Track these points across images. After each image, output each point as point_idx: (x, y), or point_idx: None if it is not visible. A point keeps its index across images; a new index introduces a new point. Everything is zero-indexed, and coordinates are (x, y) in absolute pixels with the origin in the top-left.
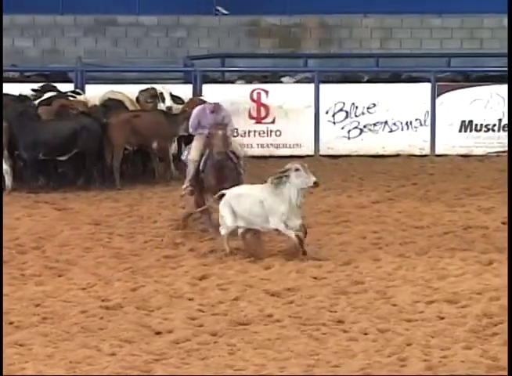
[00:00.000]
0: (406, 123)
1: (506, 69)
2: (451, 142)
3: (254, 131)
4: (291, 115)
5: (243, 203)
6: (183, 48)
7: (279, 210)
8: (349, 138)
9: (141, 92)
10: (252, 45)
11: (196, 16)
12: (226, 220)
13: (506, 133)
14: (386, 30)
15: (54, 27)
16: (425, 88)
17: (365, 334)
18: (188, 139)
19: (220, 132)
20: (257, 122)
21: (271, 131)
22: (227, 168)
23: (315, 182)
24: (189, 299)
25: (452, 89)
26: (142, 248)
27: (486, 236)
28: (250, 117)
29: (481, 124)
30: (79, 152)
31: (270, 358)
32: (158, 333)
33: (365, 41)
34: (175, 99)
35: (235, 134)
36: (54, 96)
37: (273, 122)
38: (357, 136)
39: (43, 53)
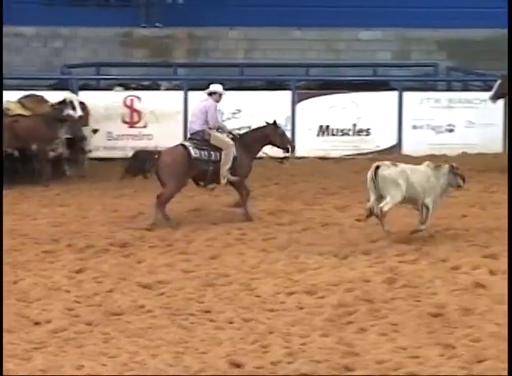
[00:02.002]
0: None
1: (360, 78)
2: (310, 146)
3: (128, 135)
4: (162, 120)
5: (417, 175)
6: (61, 57)
7: (436, 190)
8: None
9: (22, 97)
10: (125, 54)
11: (72, 27)
12: (401, 189)
13: (359, 137)
14: (250, 42)
15: None
16: (286, 95)
17: (231, 323)
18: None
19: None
20: (130, 127)
21: (143, 135)
22: None
23: (459, 186)
24: (67, 291)
25: (311, 96)
26: (22, 244)
27: (342, 232)
28: (124, 121)
29: (337, 129)
30: None
31: (142, 346)
32: (37, 323)
33: (230, 51)
34: (81, 105)
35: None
36: None
37: (145, 127)
38: None
39: None
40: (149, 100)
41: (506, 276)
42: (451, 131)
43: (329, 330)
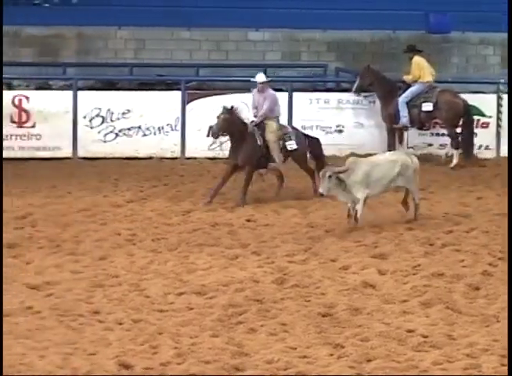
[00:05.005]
0: (159, 128)
1: (249, 79)
2: (200, 146)
3: (16, 135)
4: (51, 120)
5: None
6: None
7: None
8: (105, 141)
9: None
10: (13, 54)
11: None
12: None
13: None
14: (139, 42)
15: None
16: (176, 95)
17: (120, 324)
18: None
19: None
20: (18, 126)
21: (31, 135)
22: None
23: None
24: None
25: (201, 97)
26: None
27: (231, 232)
28: (12, 121)
29: None
30: None
31: (30, 347)
32: None
33: (120, 51)
34: None
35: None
36: None
37: (33, 126)
38: (112, 140)
39: None
40: (37, 100)
41: (394, 275)
42: (340, 131)
43: (219, 331)
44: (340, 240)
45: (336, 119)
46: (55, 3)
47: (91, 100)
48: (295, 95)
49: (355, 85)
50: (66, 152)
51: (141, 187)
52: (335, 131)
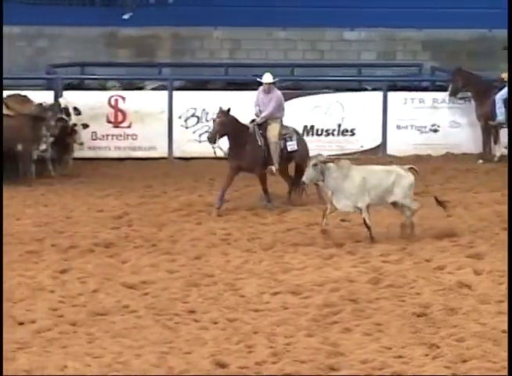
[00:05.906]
0: None
1: (345, 78)
2: None
3: (112, 135)
4: (146, 120)
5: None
6: (45, 56)
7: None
8: (200, 141)
9: (6, 97)
10: (110, 54)
11: (57, 26)
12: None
13: (344, 137)
14: (234, 42)
15: None
16: None
17: (215, 323)
18: None
19: None
20: (114, 126)
21: (127, 135)
22: None
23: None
24: (51, 291)
25: (296, 96)
26: (7, 244)
27: (326, 232)
28: (108, 121)
29: (322, 129)
30: None
31: (126, 346)
32: (21, 323)
33: (215, 51)
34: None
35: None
36: None
37: (130, 126)
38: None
39: None
40: (133, 100)
41: (490, 276)
42: (435, 131)
43: (314, 330)
44: (435, 240)
45: (431, 118)
46: (151, 4)
47: (187, 100)
48: (390, 94)
49: (449, 90)
50: (162, 152)
51: (235, 187)
52: (430, 130)
